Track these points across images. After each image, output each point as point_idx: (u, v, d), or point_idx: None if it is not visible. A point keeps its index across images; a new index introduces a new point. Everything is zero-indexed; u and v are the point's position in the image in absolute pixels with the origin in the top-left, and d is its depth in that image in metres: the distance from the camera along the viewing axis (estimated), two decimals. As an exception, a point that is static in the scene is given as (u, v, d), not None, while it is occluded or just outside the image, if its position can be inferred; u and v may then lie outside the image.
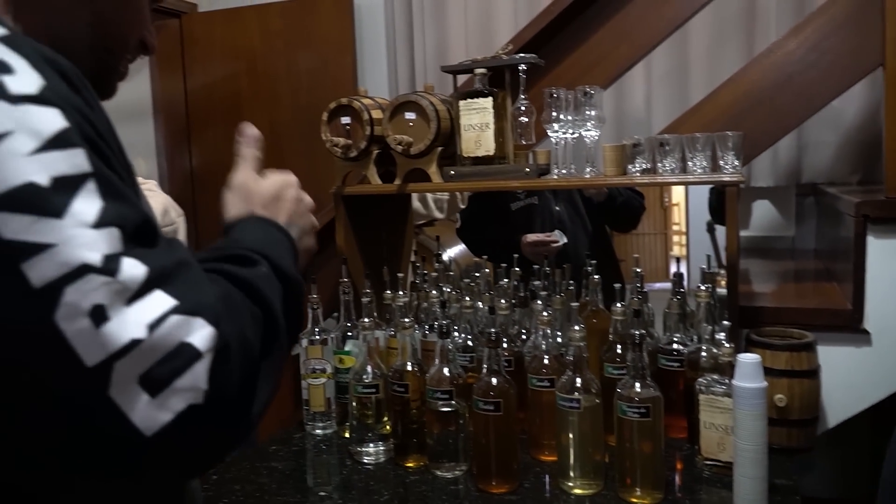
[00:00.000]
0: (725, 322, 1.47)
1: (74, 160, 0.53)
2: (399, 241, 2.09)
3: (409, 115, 1.73)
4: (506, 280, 1.77)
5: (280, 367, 0.67)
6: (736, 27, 2.71)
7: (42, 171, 0.52)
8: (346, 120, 1.79)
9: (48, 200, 0.51)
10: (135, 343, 0.52)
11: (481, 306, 1.71)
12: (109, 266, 0.52)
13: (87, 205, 0.53)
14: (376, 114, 1.79)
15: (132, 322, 0.52)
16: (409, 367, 1.51)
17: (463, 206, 2.73)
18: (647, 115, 2.84)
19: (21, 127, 0.52)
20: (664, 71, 2.78)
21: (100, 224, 0.53)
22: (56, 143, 0.53)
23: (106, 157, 0.57)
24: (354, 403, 1.56)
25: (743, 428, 1.28)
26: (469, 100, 1.72)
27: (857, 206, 1.71)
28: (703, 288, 1.56)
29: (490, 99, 1.71)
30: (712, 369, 1.44)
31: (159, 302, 0.54)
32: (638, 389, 1.32)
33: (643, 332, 1.36)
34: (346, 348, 1.68)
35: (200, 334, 0.56)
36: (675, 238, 7.35)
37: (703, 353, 1.50)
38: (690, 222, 5.61)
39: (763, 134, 1.87)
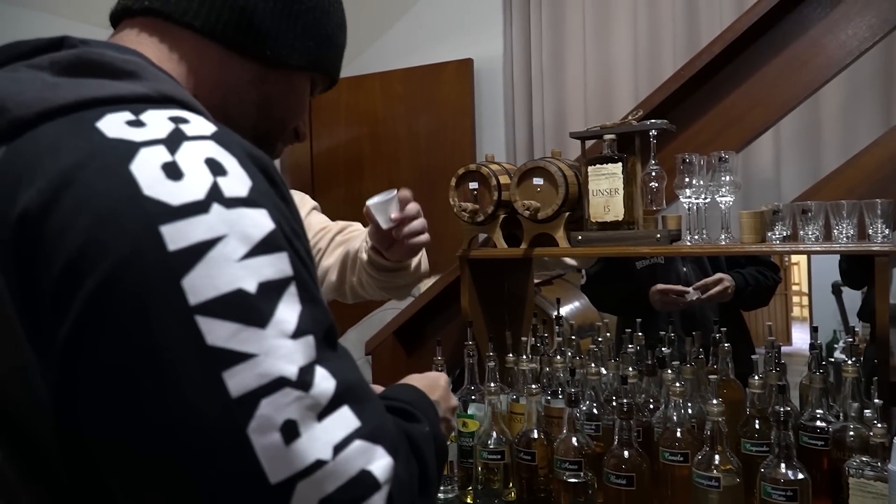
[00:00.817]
0: (877, 400, 1.38)
1: (279, 264, 0.54)
2: (520, 304, 2.09)
3: (537, 181, 1.75)
4: (630, 346, 1.73)
5: None
6: (872, 89, 2.60)
7: (250, 276, 0.52)
8: (473, 185, 1.83)
9: (254, 308, 0.52)
10: (319, 464, 0.51)
11: (605, 372, 1.68)
12: (304, 379, 0.52)
13: (288, 311, 0.53)
14: (503, 179, 1.81)
15: (320, 441, 0.52)
16: (536, 435, 1.49)
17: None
18: (776, 179, 2.75)
19: (233, 231, 0.53)
20: (793, 133, 2.69)
21: (298, 333, 0.53)
22: (264, 247, 0.54)
23: (300, 254, 0.58)
24: (480, 468, 1.55)
25: (903, 518, 1.18)
26: (598, 165, 1.72)
27: None
28: (849, 362, 1.47)
29: (619, 164, 1.70)
30: (862, 450, 1.35)
31: (345, 421, 0.54)
32: (784, 471, 1.25)
33: (788, 409, 1.29)
34: (470, 412, 1.68)
35: (380, 464, 0.55)
36: (796, 299, 6.98)
37: (851, 433, 1.41)
38: (813, 283, 5.30)
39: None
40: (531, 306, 2.15)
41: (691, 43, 2.89)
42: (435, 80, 3.62)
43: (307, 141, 3.94)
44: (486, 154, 1.97)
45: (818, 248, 1.52)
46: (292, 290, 0.54)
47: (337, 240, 1.60)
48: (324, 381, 0.53)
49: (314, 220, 1.70)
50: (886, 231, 1.49)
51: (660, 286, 2.34)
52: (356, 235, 1.55)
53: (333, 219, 1.80)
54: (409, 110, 3.70)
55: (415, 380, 0.85)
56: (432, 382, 0.85)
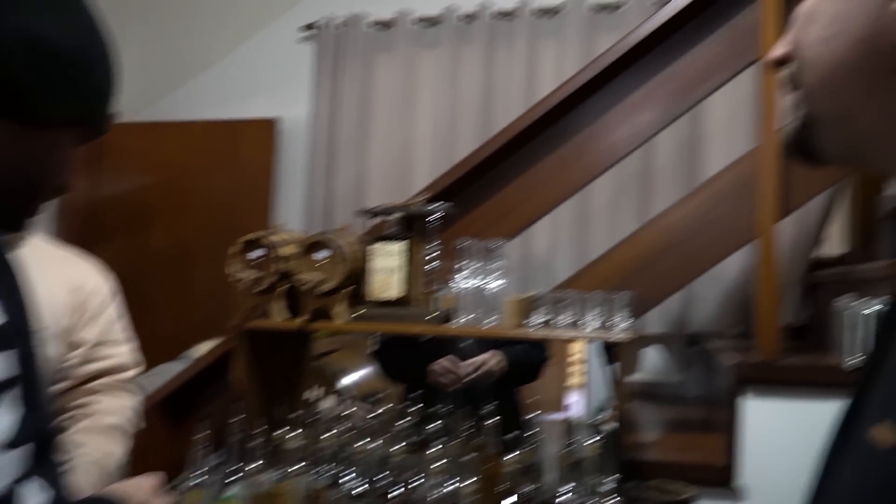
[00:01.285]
0: (612, 476, 1.52)
1: (3, 363, 0.51)
2: (296, 379, 2.07)
3: (321, 254, 1.77)
4: (404, 420, 1.77)
5: None
6: (634, 187, 2.94)
7: None
8: (257, 253, 1.81)
9: None
10: None
11: (378, 444, 1.70)
12: (9, 496, 0.49)
13: (6, 417, 0.50)
14: (288, 249, 1.81)
15: None
16: (298, 514, 1.47)
17: None
18: (551, 263, 2.98)
19: None
20: (568, 222, 2.95)
21: (13, 443, 0.50)
22: None
23: (29, 351, 0.55)
24: (237, 551, 1.49)
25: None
26: (382, 243, 1.78)
27: (735, 366, 1.82)
28: (591, 440, 1.61)
29: (402, 243, 1.77)
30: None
31: None
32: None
33: (535, 485, 1.38)
34: (231, 493, 1.62)
35: None
36: (575, 368, 7.50)
37: (589, 506, 1.53)
38: (589, 354, 5.73)
39: (652, 293, 2.01)
40: (306, 380, 2.13)
41: (486, 130, 3.10)
42: (238, 136, 3.56)
43: (91, 185, 3.69)
44: (279, 221, 1.97)
45: (568, 335, 1.66)
46: (15, 392, 0.50)
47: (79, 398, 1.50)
48: (34, 496, 0.50)
49: (102, 324, 1.56)
50: (627, 322, 1.67)
51: (437, 365, 2.42)
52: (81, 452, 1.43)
53: (117, 266, 1.68)
54: (208, 165, 3.60)
55: (117, 487, 0.82)
56: (135, 486, 0.82)
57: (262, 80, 3.65)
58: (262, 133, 3.53)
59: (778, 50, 0.67)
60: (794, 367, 1.82)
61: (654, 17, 2.09)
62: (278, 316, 1.81)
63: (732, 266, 2.71)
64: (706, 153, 2.92)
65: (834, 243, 2.99)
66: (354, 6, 3.42)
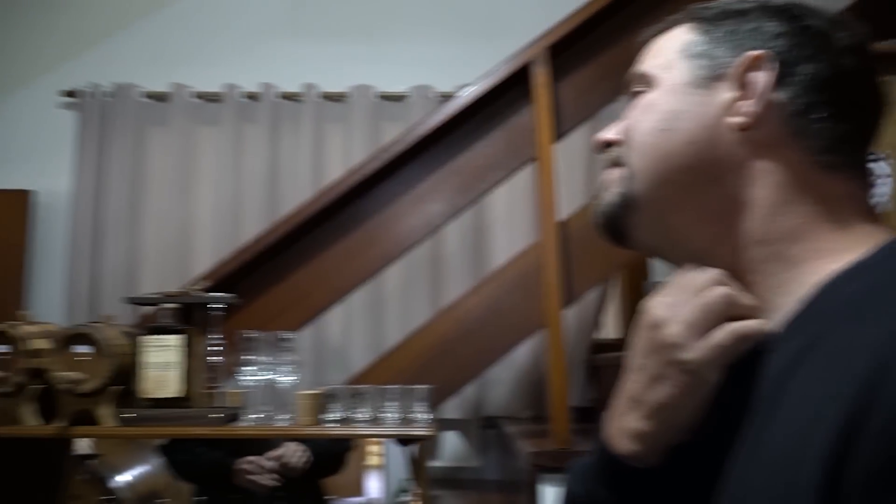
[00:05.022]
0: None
1: None
2: (55, 490, 1.76)
3: (82, 349, 1.54)
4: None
5: None
6: (424, 273, 2.95)
7: None
8: (1, 349, 1.53)
9: None
10: None
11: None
12: None
13: None
14: (40, 343, 1.56)
15: None
16: None
17: None
18: (345, 351, 2.88)
19: None
20: (360, 309, 2.88)
21: None
22: None
23: None
24: None
25: None
26: (155, 336, 1.58)
27: (532, 454, 1.84)
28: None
29: (179, 336, 1.59)
30: None
31: None
32: None
33: None
34: None
35: None
36: (372, 448, 7.31)
37: None
38: (388, 434, 5.64)
39: (449, 382, 1.99)
40: (71, 488, 1.82)
41: (272, 211, 2.97)
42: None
43: None
44: (22, 313, 1.70)
45: (368, 432, 1.58)
46: None
47: None
48: None
49: None
50: (427, 416, 1.61)
51: (243, 462, 2.18)
52: None
53: None
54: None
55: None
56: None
57: (13, 146, 3.23)
58: (14, 207, 3.10)
59: (608, 133, 0.69)
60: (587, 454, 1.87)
61: (439, 112, 2.16)
62: (29, 421, 1.54)
63: (521, 349, 2.79)
64: (491, 241, 3.02)
65: (610, 328, 3.21)
66: (122, 76, 3.16)
